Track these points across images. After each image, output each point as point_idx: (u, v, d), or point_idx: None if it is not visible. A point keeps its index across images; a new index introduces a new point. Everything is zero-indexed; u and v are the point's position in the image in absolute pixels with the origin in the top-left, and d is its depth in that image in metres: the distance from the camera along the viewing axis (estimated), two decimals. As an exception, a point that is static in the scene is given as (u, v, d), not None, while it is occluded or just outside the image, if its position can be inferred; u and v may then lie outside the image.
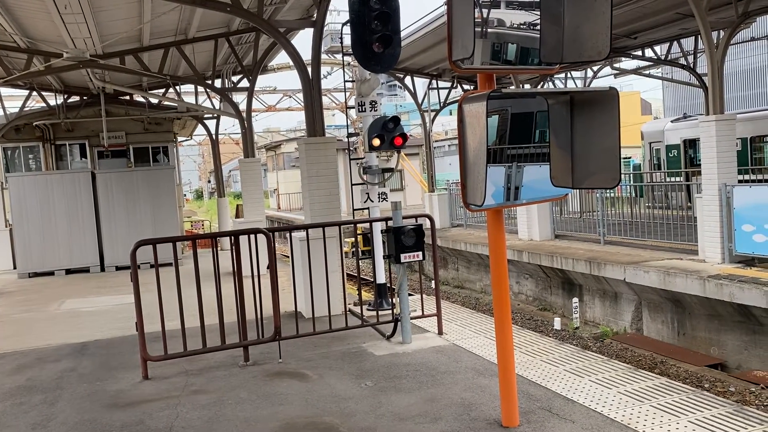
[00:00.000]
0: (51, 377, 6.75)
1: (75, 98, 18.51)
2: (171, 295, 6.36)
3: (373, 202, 8.89)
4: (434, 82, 21.46)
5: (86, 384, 6.41)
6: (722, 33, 12.55)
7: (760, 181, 16.19)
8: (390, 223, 6.98)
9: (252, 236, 6.71)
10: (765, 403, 8.13)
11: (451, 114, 38.14)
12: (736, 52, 31.66)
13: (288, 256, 12.70)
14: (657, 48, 18.83)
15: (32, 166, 19.25)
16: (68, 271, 16.10)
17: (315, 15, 9.54)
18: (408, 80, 21.20)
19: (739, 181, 11.95)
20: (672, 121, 21.22)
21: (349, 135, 10.72)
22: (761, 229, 10.13)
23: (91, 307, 11.04)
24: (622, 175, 19.56)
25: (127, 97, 19.05)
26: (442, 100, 21.74)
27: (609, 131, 4.05)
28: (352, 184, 9.27)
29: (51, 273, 15.95)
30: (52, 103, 18.13)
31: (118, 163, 19.54)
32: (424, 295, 8.26)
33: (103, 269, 16.21)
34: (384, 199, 8.90)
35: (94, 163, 19.41)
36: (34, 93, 17.78)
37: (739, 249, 10.58)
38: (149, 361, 6.45)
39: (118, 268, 15.92)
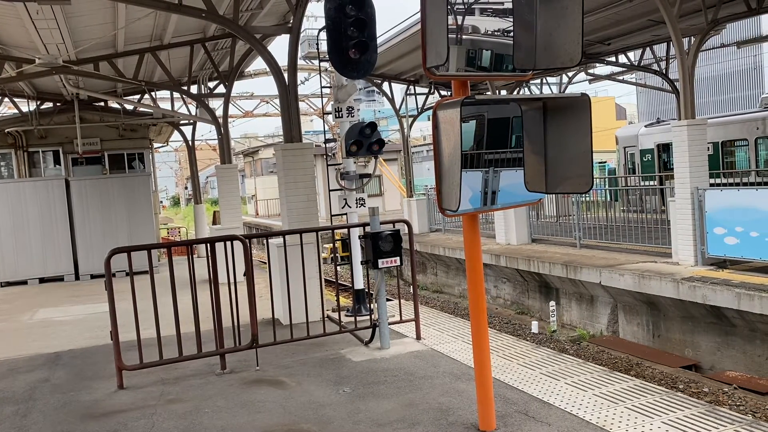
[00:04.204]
0: (23, 388, 6.63)
1: (48, 104, 18.26)
2: (147, 304, 6.29)
3: (351, 207, 8.89)
4: (412, 87, 21.57)
5: (60, 394, 6.31)
6: (693, 39, 12.79)
7: (731, 184, 16.51)
8: (368, 228, 6.99)
9: (228, 243, 6.66)
10: (737, 404, 8.26)
11: (429, 119, 38.32)
12: (707, 58, 32.32)
13: (265, 263, 12.63)
14: (630, 54, 19.17)
15: (4, 173, 18.93)
16: (42, 280, 15.86)
17: (291, 21, 9.53)
18: (386, 86, 21.29)
19: (711, 185, 12.17)
20: (646, 126, 21.55)
21: (327, 141, 10.72)
22: (732, 231, 10.32)
23: (65, 317, 10.87)
24: (597, 180, 19.76)
25: (102, 104, 18.83)
26: (420, 105, 21.86)
27: (581, 137, 4.10)
28: (330, 190, 9.27)
29: (24, 282, 15.70)
30: (25, 109, 17.87)
31: (93, 170, 19.32)
32: (402, 300, 8.28)
33: (77, 278, 15.98)
34: (362, 204, 8.91)
35: (68, 170, 19.17)
36: (6, 99, 17.50)
37: (711, 251, 10.76)
38: (124, 371, 6.37)
39: (93, 277, 15.71)
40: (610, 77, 21.24)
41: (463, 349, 6.78)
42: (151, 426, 5.22)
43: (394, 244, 6.73)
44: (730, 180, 17.09)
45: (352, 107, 9.05)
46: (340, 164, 9.04)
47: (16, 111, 17.90)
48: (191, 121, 20.86)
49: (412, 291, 7.68)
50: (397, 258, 6.78)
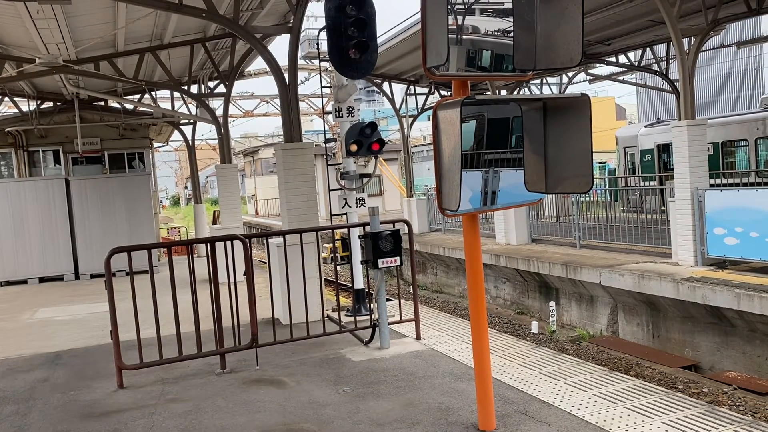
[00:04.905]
0: (23, 388, 6.64)
1: (48, 104, 18.27)
2: (146, 303, 6.29)
3: (351, 207, 8.89)
4: (412, 87, 21.58)
5: (60, 394, 6.32)
6: (693, 40, 12.80)
7: (731, 184, 16.51)
8: (368, 228, 6.99)
9: (228, 243, 6.67)
10: (737, 404, 8.27)
11: (429, 119, 38.33)
12: (707, 59, 32.33)
13: (265, 262, 12.63)
14: (630, 54, 19.16)
15: (4, 173, 18.94)
16: (42, 280, 15.86)
17: (291, 21, 9.54)
18: (386, 86, 21.28)
19: (711, 185, 12.17)
20: (646, 126, 21.56)
21: (327, 140, 10.73)
22: (732, 232, 10.32)
23: (65, 316, 10.87)
24: (597, 180, 19.78)
25: (102, 103, 18.84)
26: (420, 105, 21.86)
27: (581, 137, 4.10)
28: (330, 190, 9.27)
29: (24, 281, 15.70)
30: (25, 108, 17.87)
31: (93, 169, 19.33)
32: (402, 300, 8.28)
33: (77, 277, 15.99)
34: (362, 204, 8.91)
35: (68, 170, 19.18)
36: (6, 98, 17.51)
37: (711, 252, 10.76)
38: (124, 370, 6.38)
39: (93, 276, 15.72)
40: (610, 77, 21.23)
41: (462, 348, 6.78)
42: (151, 425, 5.23)
43: (394, 243, 6.74)
44: (730, 180, 17.09)
45: (352, 107, 9.06)
46: (340, 164, 9.05)
47: (16, 110, 17.89)
48: (191, 120, 20.86)
49: (412, 291, 7.69)
50: (397, 258, 6.78)
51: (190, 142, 21.99)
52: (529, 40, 4.14)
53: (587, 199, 15.60)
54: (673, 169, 11.90)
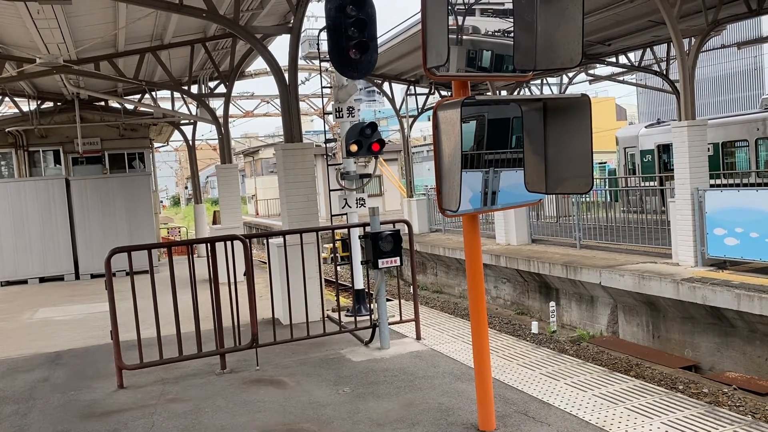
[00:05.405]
0: (23, 388, 6.64)
1: (49, 104, 18.28)
2: (147, 303, 6.30)
3: (351, 207, 8.90)
4: (412, 88, 21.59)
5: (60, 394, 6.32)
6: (693, 40, 12.80)
7: (731, 185, 16.51)
8: (368, 228, 6.99)
9: (229, 243, 6.67)
10: (737, 404, 8.27)
11: (429, 120, 38.32)
12: (708, 59, 32.34)
13: (265, 262, 12.64)
14: (631, 55, 19.17)
15: (5, 173, 18.95)
16: (42, 280, 15.87)
17: (292, 21, 9.54)
18: (386, 86, 21.29)
19: (711, 186, 12.17)
20: (646, 127, 21.56)
21: (327, 141, 10.74)
22: (732, 232, 10.32)
23: (65, 316, 10.88)
24: (597, 180, 19.80)
25: (102, 103, 18.85)
26: (420, 105, 21.86)
27: (582, 137, 4.10)
28: (330, 190, 9.27)
29: (24, 281, 15.70)
30: (25, 108, 17.88)
31: (93, 169, 19.34)
32: (402, 300, 8.28)
33: (77, 277, 15.99)
34: (362, 204, 8.91)
35: (69, 170, 19.19)
36: (7, 98, 17.51)
37: (711, 252, 10.76)
38: (124, 370, 6.38)
39: (93, 276, 15.72)
40: (610, 78, 21.24)
41: (462, 349, 6.78)
42: (151, 425, 5.23)
43: (394, 244, 6.73)
44: (731, 181, 17.09)
45: (352, 107, 9.06)
46: (340, 164, 9.05)
47: (16, 110, 17.90)
48: (191, 120, 20.87)
49: (412, 291, 7.69)
50: (397, 258, 6.78)
51: (191, 142, 22.00)
52: (529, 41, 4.14)
53: (587, 199, 15.60)
54: (673, 170, 11.90)
